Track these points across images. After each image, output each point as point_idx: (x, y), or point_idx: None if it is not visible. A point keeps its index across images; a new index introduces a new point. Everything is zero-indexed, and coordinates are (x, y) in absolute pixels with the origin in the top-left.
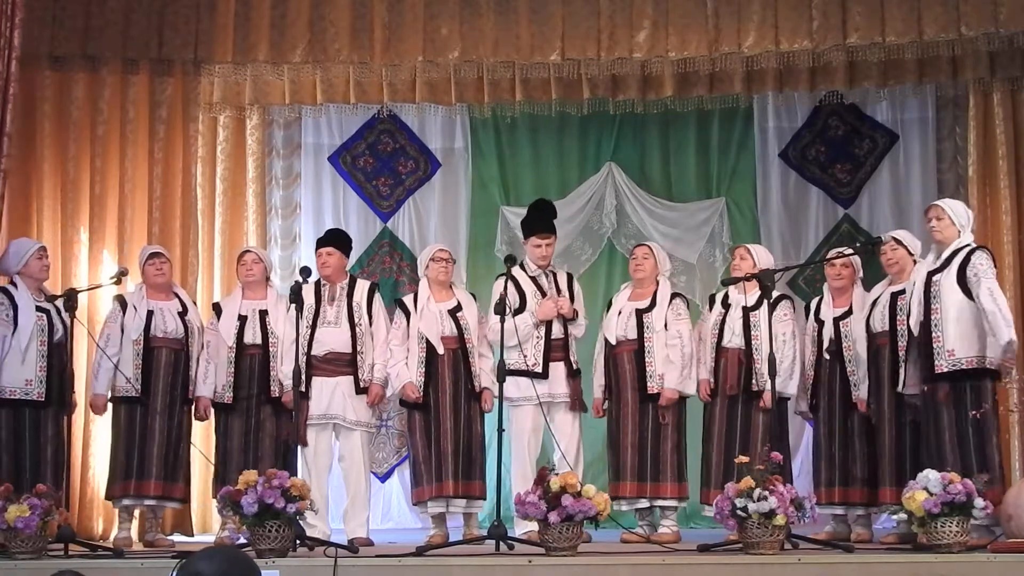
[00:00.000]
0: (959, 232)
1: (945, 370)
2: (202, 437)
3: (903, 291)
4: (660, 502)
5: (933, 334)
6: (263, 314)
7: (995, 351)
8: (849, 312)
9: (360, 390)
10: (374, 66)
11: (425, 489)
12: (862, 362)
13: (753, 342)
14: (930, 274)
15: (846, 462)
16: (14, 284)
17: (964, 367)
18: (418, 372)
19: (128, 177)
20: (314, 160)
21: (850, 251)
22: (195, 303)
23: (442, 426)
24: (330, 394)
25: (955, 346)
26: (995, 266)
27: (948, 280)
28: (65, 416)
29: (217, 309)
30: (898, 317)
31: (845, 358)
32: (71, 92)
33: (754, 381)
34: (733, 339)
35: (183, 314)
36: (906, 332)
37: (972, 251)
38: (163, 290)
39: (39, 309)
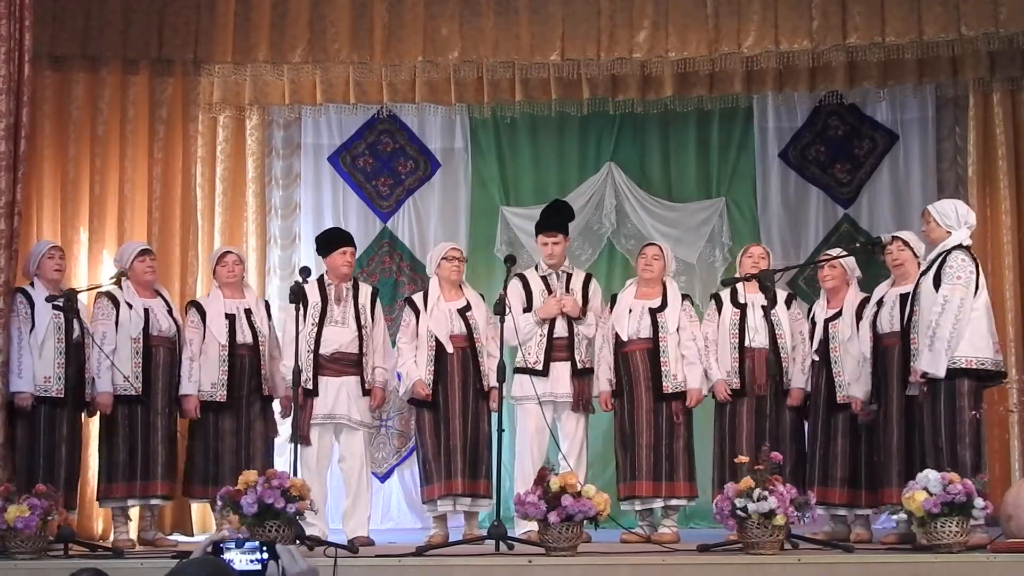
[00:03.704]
0: (948, 233)
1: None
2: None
3: (910, 292)
4: (673, 501)
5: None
6: (248, 313)
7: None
8: (839, 314)
9: (365, 391)
10: (374, 66)
11: (435, 487)
12: (851, 362)
13: (779, 341)
14: (921, 275)
15: (827, 462)
16: (33, 285)
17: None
18: (427, 370)
19: (128, 177)
20: (314, 160)
21: (844, 253)
22: (188, 303)
23: (451, 424)
24: (335, 394)
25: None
26: (974, 265)
27: (927, 282)
28: (83, 416)
29: (199, 308)
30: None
31: (831, 359)
32: (71, 92)
33: (785, 380)
34: (757, 338)
35: (171, 312)
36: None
37: (950, 251)
38: (150, 288)
39: (56, 308)
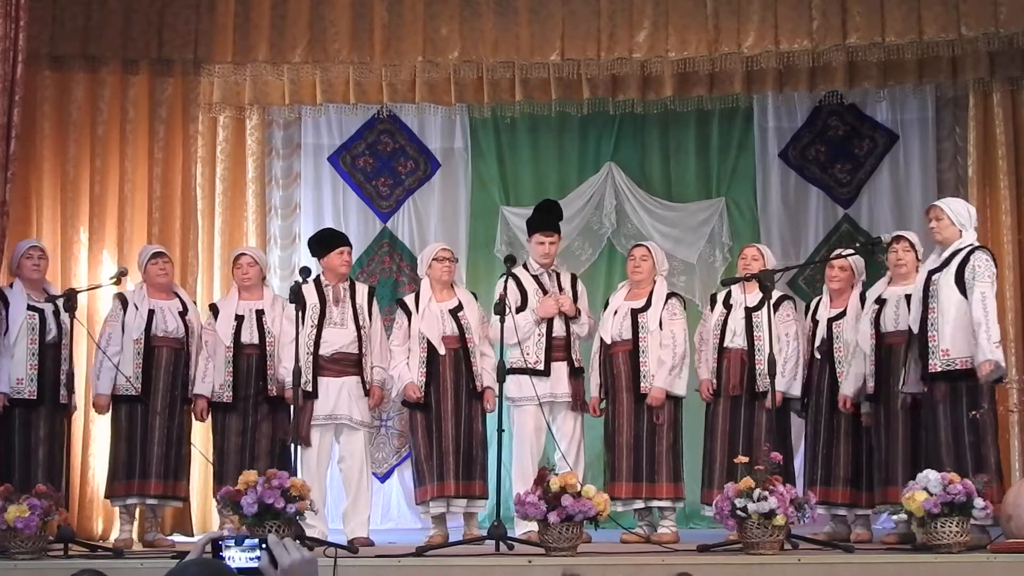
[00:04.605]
0: (960, 231)
1: (939, 369)
2: (201, 436)
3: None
4: (655, 503)
5: (929, 333)
6: (259, 314)
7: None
8: (844, 313)
9: (366, 391)
10: (374, 66)
11: (427, 489)
12: (852, 362)
13: (756, 343)
14: (930, 273)
15: (829, 462)
16: (12, 286)
17: (959, 367)
18: (419, 372)
19: (128, 177)
20: (314, 160)
21: (851, 252)
22: (195, 303)
23: (444, 426)
24: (336, 394)
25: (950, 346)
26: (996, 266)
27: (946, 279)
28: (63, 417)
29: (214, 310)
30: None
31: (835, 359)
32: (71, 92)
33: (757, 382)
34: (735, 339)
35: (183, 314)
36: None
37: (972, 251)
38: (164, 289)
39: (31, 308)
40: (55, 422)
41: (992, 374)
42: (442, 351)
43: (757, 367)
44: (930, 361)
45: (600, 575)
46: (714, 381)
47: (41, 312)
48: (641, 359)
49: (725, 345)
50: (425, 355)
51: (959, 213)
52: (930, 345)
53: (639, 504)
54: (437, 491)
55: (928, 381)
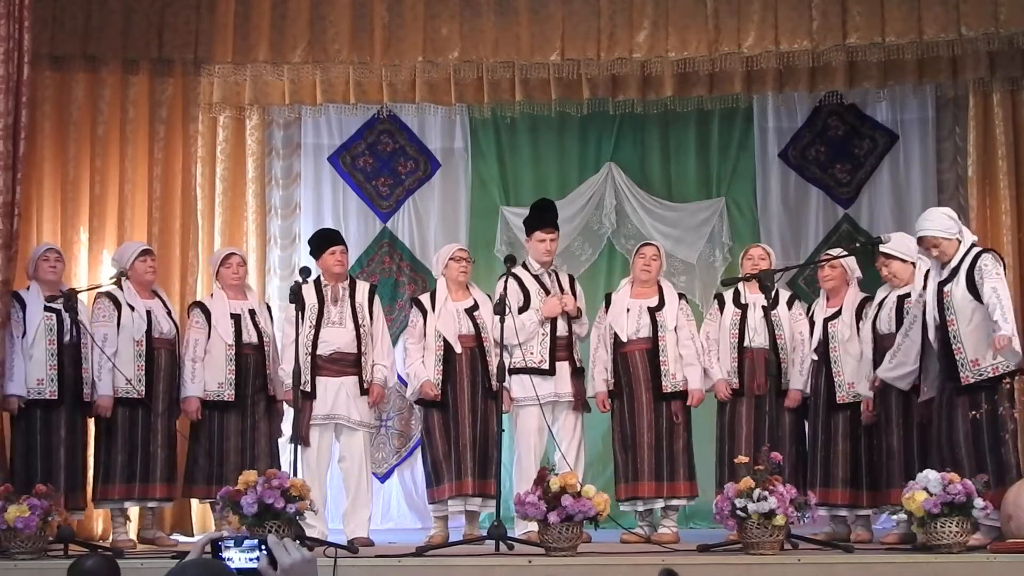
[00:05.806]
0: (958, 241)
1: (972, 381)
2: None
3: (909, 294)
4: (674, 501)
5: (953, 346)
6: (252, 314)
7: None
8: (839, 313)
9: (364, 391)
10: (374, 66)
11: (447, 487)
12: (851, 362)
13: (778, 342)
14: (940, 285)
15: (828, 463)
16: (29, 288)
17: (990, 375)
18: (436, 371)
19: (128, 177)
20: (314, 160)
21: (844, 253)
22: (191, 304)
23: (460, 424)
24: (334, 394)
25: (978, 356)
26: (1002, 263)
27: (959, 289)
28: (83, 417)
29: (203, 308)
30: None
31: (831, 359)
32: (71, 92)
33: (784, 380)
34: (756, 339)
35: (170, 314)
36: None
37: (977, 255)
38: (149, 288)
39: (48, 309)
40: (75, 422)
41: (1006, 350)
42: (458, 349)
43: (782, 366)
44: (961, 374)
45: (600, 575)
46: (735, 380)
47: (58, 313)
48: (661, 358)
49: (745, 345)
50: (441, 353)
51: (949, 229)
52: (957, 358)
53: (659, 503)
54: (456, 489)
55: (958, 394)
